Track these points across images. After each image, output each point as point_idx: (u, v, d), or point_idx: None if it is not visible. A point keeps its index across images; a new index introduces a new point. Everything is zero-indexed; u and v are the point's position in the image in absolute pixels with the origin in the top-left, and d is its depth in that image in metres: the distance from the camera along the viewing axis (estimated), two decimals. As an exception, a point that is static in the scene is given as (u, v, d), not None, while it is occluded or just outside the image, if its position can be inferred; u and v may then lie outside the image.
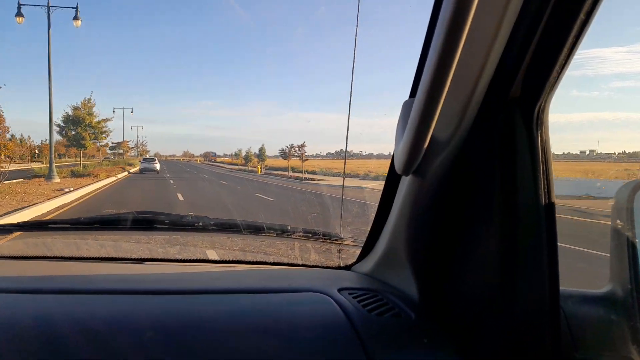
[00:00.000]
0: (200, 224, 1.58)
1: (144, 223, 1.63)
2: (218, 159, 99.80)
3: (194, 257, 1.52)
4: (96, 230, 1.66)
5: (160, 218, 1.61)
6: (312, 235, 1.62)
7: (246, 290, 1.10)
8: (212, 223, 1.56)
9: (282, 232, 1.61)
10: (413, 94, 0.94)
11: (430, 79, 0.71)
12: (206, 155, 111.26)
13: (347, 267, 1.37)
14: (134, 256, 1.46)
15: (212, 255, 1.58)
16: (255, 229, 1.59)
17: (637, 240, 0.89)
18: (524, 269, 0.82)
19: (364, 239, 1.30)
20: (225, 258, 1.50)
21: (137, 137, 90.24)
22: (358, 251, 1.35)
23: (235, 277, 1.27)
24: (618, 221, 0.91)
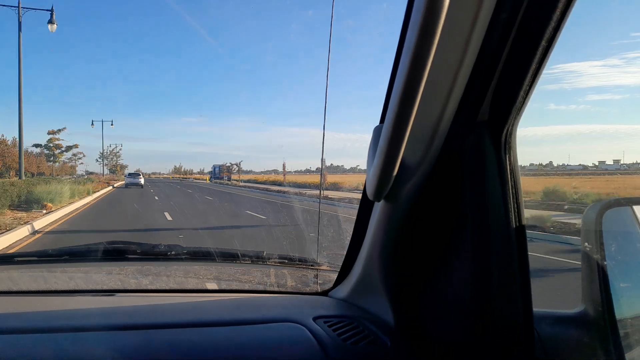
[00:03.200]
0: (173, 253, 1.54)
1: (115, 253, 1.59)
2: (194, 176, 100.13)
3: (167, 287, 1.48)
4: (65, 262, 1.60)
5: (131, 248, 1.56)
6: (288, 261, 1.60)
7: (220, 323, 1.07)
8: (185, 252, 1.52)
9: (257, 258, 1.59)
10: (382, 119, 0.95)
11: (398, 103, 0.72)
12: (178, 171, 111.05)
13: (324, 293, 1.35)
14: (104, 288, 1.41)
15: (186, 284, 1.54)
16: (229, 257, 1.55)
17: (606, 262, 0.90)
18: (497, 292, 0.82)
19: (340, 263, 1.28)
20: (199, 287, 1.46)
21: (108, 146, 75.61)
22: (335, 276, 1.33)
23: (211, 308, 1.24)
24: (586, 243, 0.92)
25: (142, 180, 35.80)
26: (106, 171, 70.64)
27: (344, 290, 1.24)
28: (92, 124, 61.08)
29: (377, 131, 0.91)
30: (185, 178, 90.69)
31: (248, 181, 56.03)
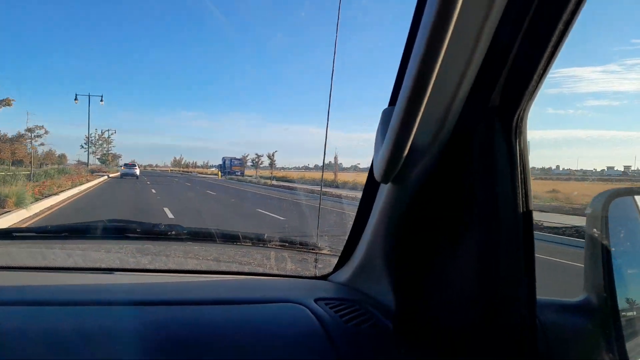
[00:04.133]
0: (174, 232, 1.53)
1: (115, 231, 1.57)
2: (198, 169, 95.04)
3: (166, 267, 1.47)
4: (64, 239, 1.59)
5: (131, 226, 1.55)
6: (288, 244, 1.59)
7: (220, 301, 1.07)
8: (185, 232, 1.51)
9: (258, 241, 1.58)
10: (392, 102, 0.93)
11: (411, 86, 0.70)
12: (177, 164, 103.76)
13: (324, 277, 1.35)
14: (103, 266, 1.40)
15: (185, 265, 1.54)
16: (230, 238, 1.55)
17: (611, 249, 0.90)
18: (502, 279, 0.82)
19: (341, 247, 1.28)
20: (199, 268, 1.46)
21: (95, 130, 60.19)
22: (335, 260, 1.33)
23: (209, 288, 1.23)
24: (594, 230, 0.92)
25: (137, 171, 38.46)
26: (94, 160, 58.18)
27: (344, 274, 1.24)
28: (76, 98, 43.96)
29: (386, 114, 0.90)
30: (187, 172, 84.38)
31: (280, 179, 44.38)
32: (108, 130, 61.42)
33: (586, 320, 0.94)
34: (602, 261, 0.91)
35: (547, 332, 0.90)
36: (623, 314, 0.93)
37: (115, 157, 67.50)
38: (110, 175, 39.17)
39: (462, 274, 0.87)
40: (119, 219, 1.64)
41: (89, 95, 43.53)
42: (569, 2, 0.68)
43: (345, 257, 1.25)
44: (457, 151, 0.84)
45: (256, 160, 55.95)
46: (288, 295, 1.13)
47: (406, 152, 0.81)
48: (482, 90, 0.79)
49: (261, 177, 48.19)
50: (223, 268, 1.51)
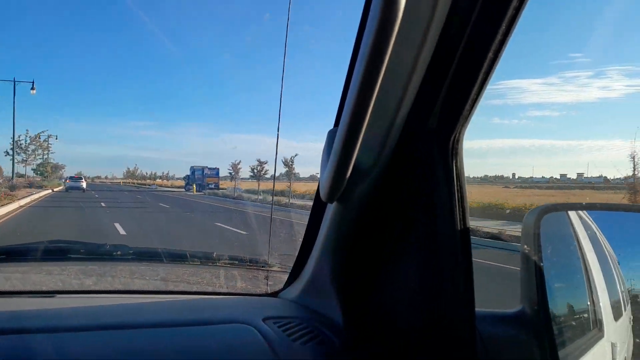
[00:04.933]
0: (119, 253, 1.48)
1: (57, 253, 1.51)
2: (159, 182, 78.23)
3: (112, 288, 1.42)
4: (1, 262, 1.51)
5: (75, 247, 1.50)
6: (238, 262, 1.58)
7: (165, 324, 1.05)
8: (131, 252, 1.47)
9: (207, 259, 1.56)
10: (337, 123, 0.96)
11: (352, 111, 0.73)
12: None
13: (275, 294, 1.35)
14: (44, 289, 1.34)
15: (132, 285, 1.49)
16: (177, 257, 1.52)
17: (543, 264, 0.96)
18: (443, 293, 0.86)
19: (292, 264, 1.28)
20: (146, 288, 1.42)
21: (26, 132, 40.47)
22: (286, 277, 1.33)
23: (156, 309, 1.20)
24: (525, 246, 0.97)
25: (84, 184, 34.92)
26: (28, 171, 43.00)
27: (294, 291, 1.24)
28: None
29: (331, 134, 0.92)
30: (144, 185, 70.29)
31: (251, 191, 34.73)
32: (44, 132, 43.40)
33: (522, 330, 0.98)
34: (535, 275, 0.96)
35: (486, 343, 0.93)
36: (555, 323, 0.99)
37: (57, 167, 53.15)
38: (55, 190, 34.79)
39: (404, 289, 0.90)
40: (62, 239, 1.57)
41: (14, 81, 27.62)
42: (495, 38, 0.73)
43: (295, 273, 1.26)
44: (398, 172, 0.87)
45: (234, 169, 38.76)
46: (236, 315, 1.12)
47: (349, 173, 0.84)
48: (420, 114, 0.83)
49: (246, 191, 36.59)
50: (171, 288, 1.48)
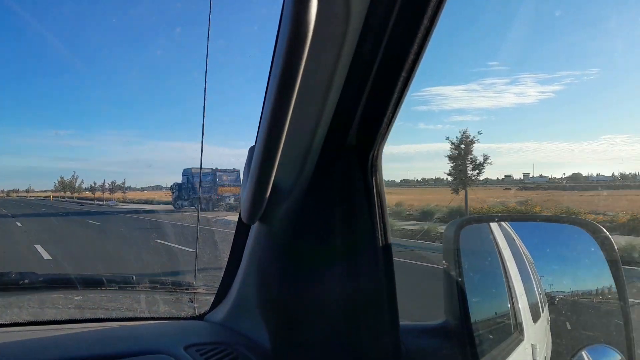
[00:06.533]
0: (27, 281, 1.36)
1: None
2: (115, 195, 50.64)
3: (19, 321, 1.29)
4: None
5: None
6: (160, 285, 1.50)
7: (79, 359, 0.96)
8: (40, 279, 1.35)
9: (126, 284, 1.47)
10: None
11: (267, 128, 0.71)
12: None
13: (200, 317, 1.28)
14: None
15: (43, 315, 1.37)
16: (93, 283, 1.41)
17: (463, 278, 0.98)
18: (367, 310, 0.85)
19: (217, 285, 1.23)
20: (59, 318, 1.30)
21: None
22: (212, 299, 1.28)
23: (68, 342, 1.10)
24: (444, 261, 0.99)
25: None
26: None
27: (220, 313, 1.19)
28: None
29: (252, 151, 0.89)
30: (92, 200, 49.16)
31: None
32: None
33: (446, 342, 1.00)
34: (457, 288, 0.98)
35: (411, 355, 0.94)
36: (477, 334, 1.02)
37: None
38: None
39: (330, 308, 0.88)
40: None
41: None
42: (409, 54, 0.74)
43: (221, 295, 1.21)
44: (319, 190, 0.86)
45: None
46: (157, 344, 1.05)
47: (268, 192, 0.81)
48: (338, 132, 0.82)
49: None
50: (87, 316, 1.37)
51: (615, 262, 1.06)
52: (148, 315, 1.36)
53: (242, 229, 1.06)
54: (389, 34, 0.72)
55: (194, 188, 29.35)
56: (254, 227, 0.94)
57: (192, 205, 28.59)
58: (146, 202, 44.20)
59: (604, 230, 1.09)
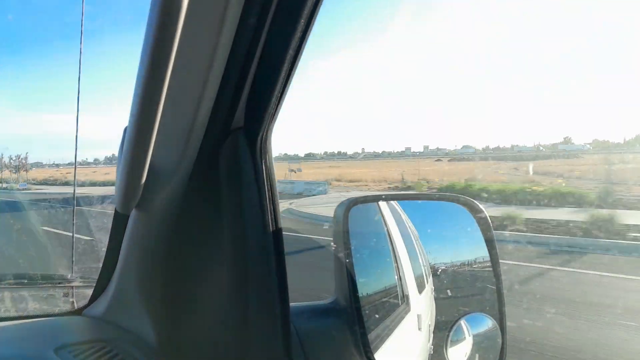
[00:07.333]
0: None
1: None
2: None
3: None
4: None
5: None
6: (27, 280, 1.34)
7: None
8: None
9: None
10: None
11: (139, 106, 0.64)
12: None
13: (78, 312, 1.17)
14: None
15: None
16: None
17: (350, 258, 1.00)
18: (256, 294, 0.83)
19: (96, 277, 1.13)
20: None
21: None
22: (90, 292, 1.17)
23: None
24: (333, 243, 1.00)
25: None
26: None
27: (100, 307, 1.09)
28: None
29: (126, 132, 0.81)
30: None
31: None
32: None
33: (336, 320, 1.02)
34: (346, 267, 1.00)
35: (302, 336, 0.94)
36: (366, 308, 1.05)
37: None
38: None
39: (218, 296, 0.85)
40: None
41: None
42: (293, 37, 0.71)
43: (100, 288, 1.11)
44: (204, 174, 0.81)
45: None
46: (22, 348, 0.93)
47: (144, 177, 0.74)
48: (224, 112, 0.78)
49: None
50: None
51: (491, 241, 1.15)
52: (15, 315, 1.21)
53: (119, 217, 0.97)
54: (275, 5, 0.68)
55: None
56: (132, 216, 0.87)
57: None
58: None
59: (483, 210, 1.18)
